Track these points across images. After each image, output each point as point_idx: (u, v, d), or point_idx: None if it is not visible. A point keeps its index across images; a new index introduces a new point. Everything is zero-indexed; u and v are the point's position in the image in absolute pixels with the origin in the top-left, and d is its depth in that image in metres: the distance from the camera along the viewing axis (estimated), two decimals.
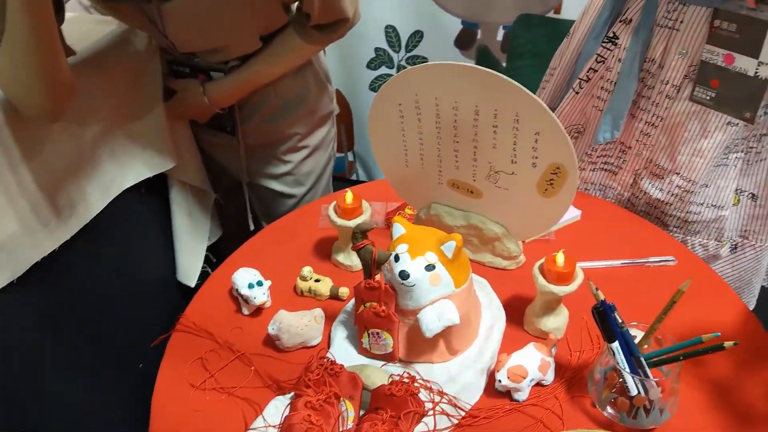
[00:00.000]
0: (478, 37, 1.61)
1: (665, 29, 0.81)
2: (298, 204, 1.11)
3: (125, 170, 0.90)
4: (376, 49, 1.72)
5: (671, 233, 0.92)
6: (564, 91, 0.97)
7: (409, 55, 1.71)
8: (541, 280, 0.66)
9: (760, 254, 0.92)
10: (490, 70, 0.66)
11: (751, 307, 0.98)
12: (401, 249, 0.64)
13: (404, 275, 0.62)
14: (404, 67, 1.72)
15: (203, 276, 1.03)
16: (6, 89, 0.70)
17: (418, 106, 0.74)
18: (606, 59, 0.88)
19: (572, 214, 0.88)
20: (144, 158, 0.92)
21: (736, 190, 0.88)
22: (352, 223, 0.78)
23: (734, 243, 0.92)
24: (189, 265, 1.02)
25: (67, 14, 0.76)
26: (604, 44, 0.87)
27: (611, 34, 0.86)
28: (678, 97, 0.83)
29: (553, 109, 0.99)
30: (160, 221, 1.00)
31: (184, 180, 1.01)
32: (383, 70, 1.76)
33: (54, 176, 0.77)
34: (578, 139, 0.97)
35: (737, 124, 0.81)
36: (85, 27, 0.90)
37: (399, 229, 0.66)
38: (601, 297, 0.58)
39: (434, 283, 0.63)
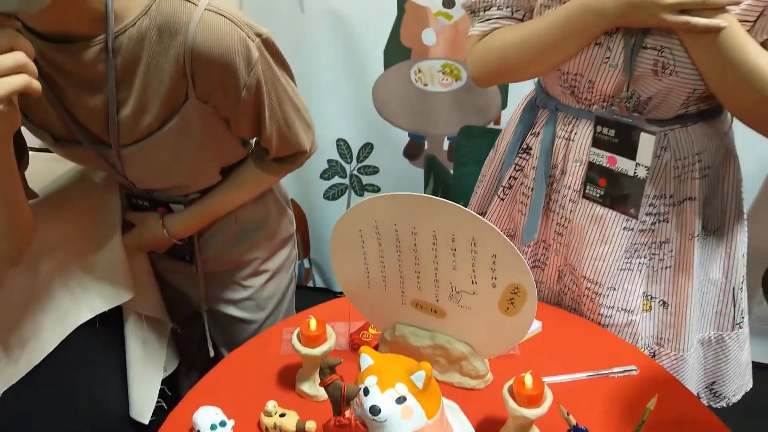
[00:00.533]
0: (425, 147, 1.70)
1: (563, 140, 0.90)
2: (259, 329, 1.08)
3: (81, 305, 0.87)
4: (329, 161, 1.78)
5: None
6: (491, 198, 1.05)
7: (360, 165, 1.77)
8: (511, 403, 0.66)
9: (676, 364, 0.92)
10: (445, 201, 0.69)
11: None
12: (370, 381, 0.63)
13: (375, 410, 0.61)
14: (356, 177, 1.79)
15: (159, 411, 0.97)
16: None
17: (378, 232, 0.76)
18: (523, 168, 0.96)
19: (534, 326, 0.89)
20: (100, 291, 0.90)
21: (646, 295, 0.91)
22: (317, 351, 0.76)
23: (652, 351, 0.94)
24: (142, 401, 0.97)
25: None
26: (519, 155, 0.97)
27: (525, 146, 0.96)
28: (578, 201, 0.90)
29: (483, 213, 1.05)
30: (115, 354, 0.96)
31: (140, 311, 0.98)
32: (336, 179, 1.81)
33: (6, 314, 0.74)
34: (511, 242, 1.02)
35: (632, 228, 0.87)
36: (43, 165, 0.90)
37: (367, 359, 0.66)
38: (573, 422, 0.58)
39: (406, 417, 0.62)
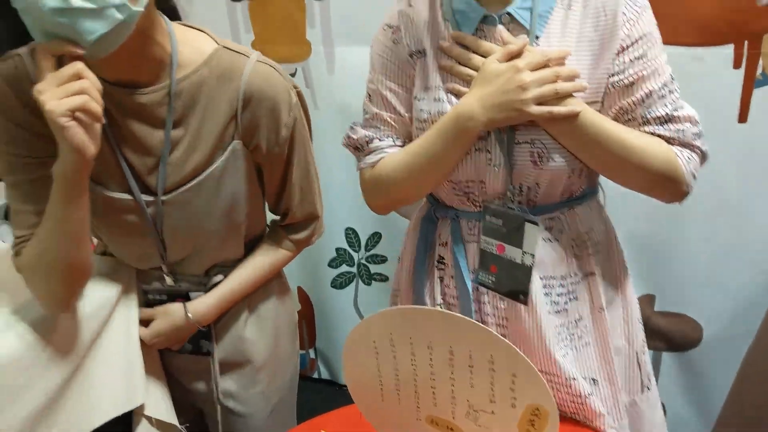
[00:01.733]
0: None
1: (473, 243, 0.91)
2: (263, 426, 1.05)
3: (92, 412, 0.84)
4: (337, 249, 1.78)
5: None
6: None
7: (368, 254, 1.77)
8: None
9: None
10: (462, 317, 0.68)
11: None
12: None
13: None
14: (365, 266, 1.78)
15: None
16: (29, 277, 0.77)
17: (393, 345, 0.75)
18: (443, 278, 0.96)
19: None
20: (113, 393, 0.88)
21: (582, 377, 0.90)
22: None
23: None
24: None
25: None
26: (437, 267, 0.96)
27: (438, 257, 0.96)
28: (507, 299, 0.89)
29: None
30: None
31: (149, 415, 0.95)
32: (344, 268, 1.80)
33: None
34: None
35: (550, 312, 0.88)
36: None
37: None
38: None
39: None
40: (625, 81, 0.80)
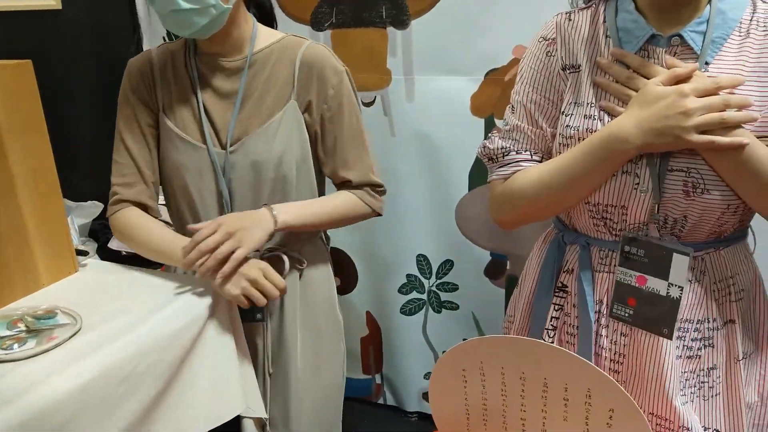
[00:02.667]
0: (508, 267, 1.68)
1: (605, 273, 0.87)
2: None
3: (187, 423, 0.87)
4: (408, 275, 1.78)
5: None
6: None
7: (439, 281, 1.76)
8: None
9: None
10: (559, 348, 0.66)
11: None
12: None
13: None
14: (435, 293, 1.77)
15: None
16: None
17: (483, 373, 0.74)
18: (563, 306, 0.92)
19: None
20: (206, 408, 0.90)
21: (704, 428, 0.85)
22: None
23: None
24: None
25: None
26: (557, 294, 0.92)
27: (560, 284, 0.92)
28: (630, 333, 0.85)
29: None
30: None
31: (248, 416, 0.98)
32: (414, 294, 1.80)
33: None
34: None
35: (681, 356, 0.83)
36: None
37: None
38: None
39: None
40: None
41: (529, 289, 0.98)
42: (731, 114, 0.72)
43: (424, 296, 1.79)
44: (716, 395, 0.85)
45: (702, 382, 0.85)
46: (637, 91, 0.78)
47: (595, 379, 0.65)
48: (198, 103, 1.03)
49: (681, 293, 0.80)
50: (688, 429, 0.82)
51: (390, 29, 1.53)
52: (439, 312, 1.79)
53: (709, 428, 0.85)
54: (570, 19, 0.88)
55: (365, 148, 1.10)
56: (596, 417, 0.67)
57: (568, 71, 0.86)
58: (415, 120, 1.59)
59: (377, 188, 1.12)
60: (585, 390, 0.67)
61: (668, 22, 0.79)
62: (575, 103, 0.85)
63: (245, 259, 0.94)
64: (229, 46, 1.02)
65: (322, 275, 1.16)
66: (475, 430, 0.78)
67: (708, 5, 0.78)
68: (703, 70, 0.77)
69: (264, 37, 1.06)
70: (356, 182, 1.09)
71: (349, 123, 1.07)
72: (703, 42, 0.77)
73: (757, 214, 0.84)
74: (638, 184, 0.80)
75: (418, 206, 1.68)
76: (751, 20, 0.78)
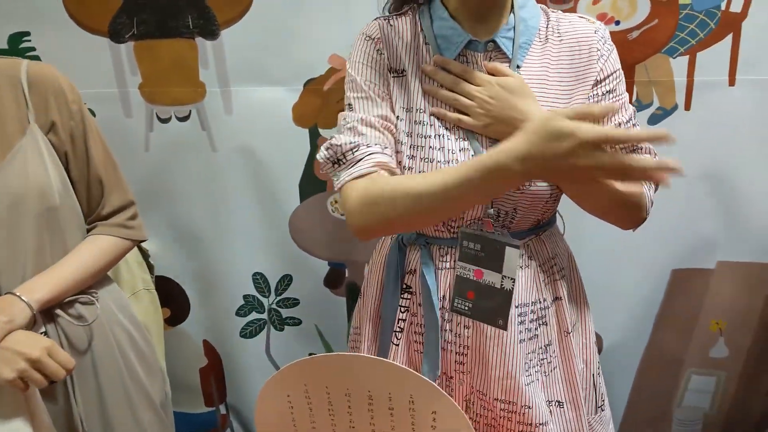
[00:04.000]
0: (347, 275, 1.67)
1: (446, 270, 0.91)
2: None
3: None
4: (245, 296, 1.70)
5: None
6: (379, 347, 1.00)
7: (279, 298, 1.71)
8: None
9: None
10: (379, 359, 0.66)
11: None
12: None
13: None
14: (275, 311, 1.71)
15: None
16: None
17: (308, 396, 0.71)
18: (409, 308, 0.95)
19: None
20: None
21: (546, 402, 0.93)
22: None
23: None
24: None
25: None
26: (402, 296, 0.95)
27: (404, 286, 0.95)
28: (472, 326, 0.90)
29: None
30: None
31: None
32: (254, 315, 1.72)
33: None
34: None
35: (524, 339, 0.90)
36: None
37: None
38: None
39: None
40: None
41: (374, 296, 0.98)
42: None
43: (265, 315, 1.72)
44: (554, 369, 0.92)
45: (542, 359, 0.91)
46: (465, 95, 0.82)
47: (416, 385, 0.66)
48: None
49: (513, 285, 0.84)
50: (529, 407, 0.88)
51: (199, 39, 1.44)
52: (281, 329, 1.73)
53: (552, 401, 0.91)
54: (391, 24, 0.89)
55: (117, 173, 1.05)
56: (421, 421, 0.67)
57: (392, 74, 0.87)
58: (237, 133, 1.52)
59: (130, 215, 1.05)
60: (408, 396, 0.67)
61: (480, 30, 0.85)
62: (405, 108, 0.86)
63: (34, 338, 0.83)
64: None
65: (113, 297, 1.07)
66: None
67: (511, 14, 0.85)
68: (516, 72, 0.84)
69: None
70: (109, 213, 1.02)
71: (99, 138, 1.02)
72: (513, 47, 0.84)
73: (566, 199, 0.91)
74: None
75: (248, 223, 1.61)
76: (547, 27, 0.87)
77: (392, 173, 0.86)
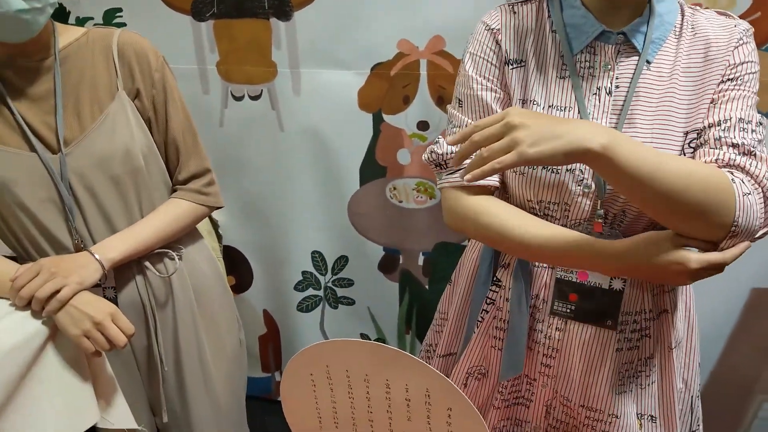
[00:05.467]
0: (401, 262, 1.68)
1: (541, 268, 0.88)
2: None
3: None
4: (303, 272, 1.75)
5: None
6: (465, 336, 1.00)
7: (335, 277, 1.75)
8: None
9: None
10: (397, 350, 0.66)
11: None
12: None
13: None
14: (331, 289, 1.76)
15: None
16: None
17: (330, 377, 0.73)
18: (495, 301, 0.93)
19: None
20: (55, 422, 0.84)
21: (637, 414, 0.88)
22: None
23: None
24: None
25: None
26: (491, 288, 0.93)
27: (495, 278, 0.93)
28: (566, 329, 0.87)
29: (452, 354, 1.00)
30: None
31: (105, 427, 0.93)
32: (310, 291, 1.78)
33: None
34: (483, 381, 0.97)
35: (622, 348, 0.85)
36: None
37: None
38: None
39: None
40: (714, 98, 0.78)
41: (465, 285, 0.98)
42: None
43: (321, 292, 1.77)
44: (652, 383, 0.88)
45: (639, 372, 0.87)
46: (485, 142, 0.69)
47: (432, 380, 0.66)
48: (11, 110, 0.94)
49: (624, 285, 0.82)
50: (617, 416, 0.85)
51: (273, 20, 1.48)
52: (335, 308, 1.78)
53: (644, 415, 0.88)
54: (514, 12, 0.86)
55: (195, 139, 1.09)
56: (437, 416, 0.68)
57: (511, 66, 0.84)
58: (303, 114, 1.56)
59: (206, 181, 1.10)
60: (424, 390, 0.67)
61: (611, 21, 0.80)
62: (521, 100, 0.83)
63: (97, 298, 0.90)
64: (31, 46, 0.93)
65: (202, 253, 1.15)
66: None
67: (647, 7, 0.80)
68: (645, 69, 0.79)
69: (65, 33, 1.00)
70: (186, 178, 1.07)
71: (181, 106, 1.06)
72: (644, 42, 0.79)
73: None
74: (581, 181, 0.80)
75: (310, 202, 1.65)
76: (682, 23, 0.81)
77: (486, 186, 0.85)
